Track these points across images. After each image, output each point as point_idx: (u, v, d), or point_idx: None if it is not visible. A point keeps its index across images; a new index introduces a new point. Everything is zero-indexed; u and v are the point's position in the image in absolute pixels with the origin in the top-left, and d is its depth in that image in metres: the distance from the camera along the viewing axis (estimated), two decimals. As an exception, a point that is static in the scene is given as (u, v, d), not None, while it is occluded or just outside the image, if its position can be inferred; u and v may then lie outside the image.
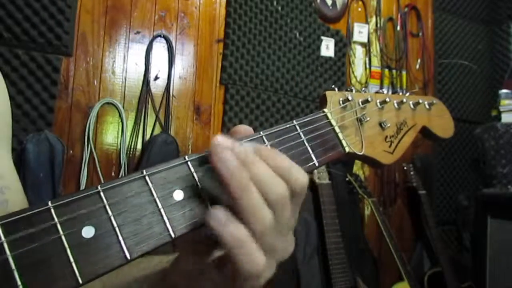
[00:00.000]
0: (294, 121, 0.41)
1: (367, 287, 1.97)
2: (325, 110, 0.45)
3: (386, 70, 2.54)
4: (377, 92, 0.51)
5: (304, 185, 0.34)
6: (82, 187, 1.68)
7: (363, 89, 0.50)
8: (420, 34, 2.67)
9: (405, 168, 2.31)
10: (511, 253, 1.79)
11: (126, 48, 1.84)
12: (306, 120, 0.42)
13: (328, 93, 0.46)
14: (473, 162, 2.58)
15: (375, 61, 2.52)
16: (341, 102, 0.46)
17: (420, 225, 2.40)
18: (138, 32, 1.87)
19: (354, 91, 0.48)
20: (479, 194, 2.03)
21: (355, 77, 2.45)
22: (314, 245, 1.94)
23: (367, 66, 2.49)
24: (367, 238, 2.27)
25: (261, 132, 0.39)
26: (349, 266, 1.88)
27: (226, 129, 1.97)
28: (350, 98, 0.47)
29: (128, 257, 0.29)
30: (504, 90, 2.24)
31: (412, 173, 2.28)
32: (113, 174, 1.76)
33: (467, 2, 2.83)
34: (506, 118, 2.16)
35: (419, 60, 2.66)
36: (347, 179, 2.13)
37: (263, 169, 0.32)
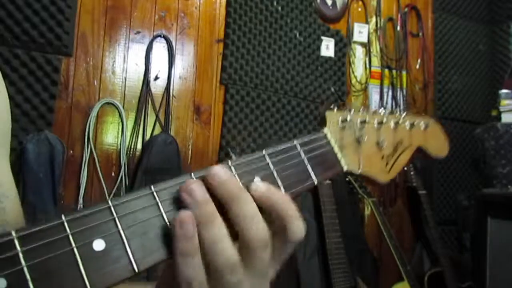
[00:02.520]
0: (294, 141, 0.43)
1: (367, 287, 1.97)
2: (325, 130, 0.47)
3: (386, 70, 2.53)
4: (374, 112, 0.53)
5: (301, 237, 0.35)
6: (82, 187, 1.68)
7: (362, 108, 0.52)
8: (420, 34, 2.67)
9: (405, 168, 2.31)
10: (511, 253, 1.79)
11: (126, 48, 1.84)
12: (306, 140, 0.44)
13: (328, 113, 0.49)
14: (473, 162, 2.58)
15: (375, 61, 2.52)
16: (340, 122, 0.49)
17: (420, 225, 2.40)
18: (138, 32, 1.87)
19: (352, 111, 0.50)
20: (479, 194, 2.03)
21: (355, 77, 2.45)
22: (314, 245, 1.94)
23: (367, 66, 2.49)
24: (367, 238, 2.27)
25: (263, 151, 0.40)
26: (349, 266, 1.88)
27: (226, 129, 1.97)
28: (348, 118, 0.49)
29: (136, 270, 0.30)
30: (504, 90, 2.24)
31: (412, 173, 2.28)
32: (113, 174, 1.76)
33: (467, 2, 2.83)
34: (506, 118, 2.15)
35: (419, 60, 2.66)
36: (347, 179, 2.13)
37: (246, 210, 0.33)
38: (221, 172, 0.33)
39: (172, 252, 0.31)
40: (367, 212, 2.36)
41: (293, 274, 1.89)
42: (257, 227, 0.33)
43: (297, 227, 0.34)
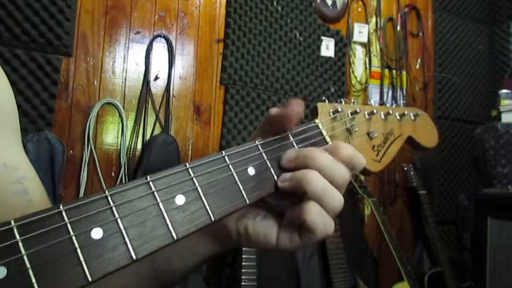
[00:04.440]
0: (287, 131, 0.44)
1: (367, 287, 1.97)
2: (317, 120, 0.48)
3: (386, 70, 2.54)
4: (365, 104, 0.55)
5: (363, 165, 0.43)
6: (82, 187, 1.68)
7: (352, 100, 0.53)
8: (420, 34, 2.67)
9: (405, 168, 2.31)
10: (511, 253, 1.79)
11: (126, 48, 1.84)
12: (298, 130, 0.45)
13: (319, 104, 0.49)
14: (473, 162, 2.58)
15: (375, 61, 2.52)
16: (331, 113, 0.49)
17: (420, 225, 2.40)
18: (138, 32, 1.87)
19: (343, 102, 0.51)
20: (479, 194, 2.03)
21: (355, 77, 2.45)
22: (314, 245, 1.94)
23: (367, 66, 2.49)
24: (367, 238, 2.27)
25: (256, 141, 0.41)
26: (349, 266, 1.88)
27: (226, 129, 1.97)
28: (340, 109, 0.50)
29: (134, 257, 0.31)
30: (504, 90, 2.24)
31: (412, 173, 2.28)
32: (113, 174, 1.76)
33: (467, 2, 2.83)
34: (506, 118, 2.16)
35: (419, 60, 2.66)
36: (347, 179, 2.13)
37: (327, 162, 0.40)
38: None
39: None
40: (367, 212, 2.36)
41: (293, 274, 1.89)
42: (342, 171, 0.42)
43: (360, 160, 0.43)
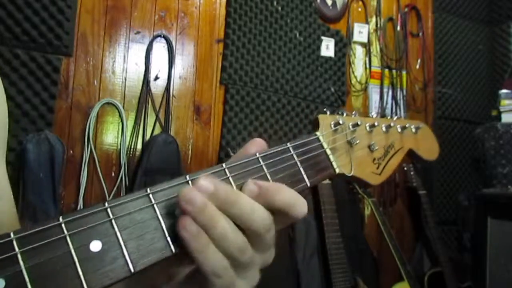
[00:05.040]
0: (288, 144, 0.44)
1: (367, 287, 1.97)
2: (317, 133, 0.48)
3: (386, 70, 2.54)
4: (366, 116, 0.55)
5: (303, 214, 0.36)
6: (82, 187, 1.68)
7: (354, 112, 0.53)
8: (420, 34, 2.67)
9: (405, 168, 2.31)
10: (511, 253, 1.79)
11: (126, 48, 1.84)
12: (299, 142, 0.45)
13: (320, 116, 0.49)
14: (473, 162, 2.58)
15: (375, 61, 2.52)
16: (332, 125, 0.49)
17: (420, 225, 2.40)
18: (138, 32, 1.87)
19: (345, 114, 0.51)
20: (479, 194, 2.03)
21: (355, 77, 2.45)
22: (314, 245, 1.94)
23: (367, 66, 2.49)
24: (367, 238, 2.27)
25: (257, 154, 0.41)
26: (349, 266, 1.88)
27: (226, 129, 1.97)
28: (341, 121, 0.50)
29: (132, 270, 0.30)
30: (504, 90, 2.24)
31: (412, 173, 2.28)
32: (113, 174, 1.76)
33: (467, 2, 2.83)
34: (506, 118, 2.16)
35: (419, 60, 2.66)
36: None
37: (244, 205, 0.34)
38: (206, 185, 0.33)
39: (176, 253, 0.33)
40: (367, 212, 2.36)
41: (293, 274, 1.89)
42: (259, 218, 0.34)
43: (299, 209, 0.36)
